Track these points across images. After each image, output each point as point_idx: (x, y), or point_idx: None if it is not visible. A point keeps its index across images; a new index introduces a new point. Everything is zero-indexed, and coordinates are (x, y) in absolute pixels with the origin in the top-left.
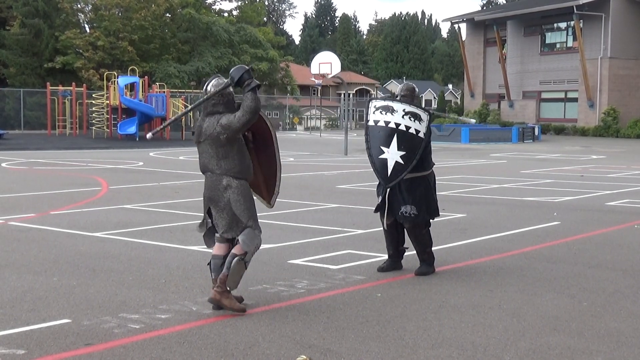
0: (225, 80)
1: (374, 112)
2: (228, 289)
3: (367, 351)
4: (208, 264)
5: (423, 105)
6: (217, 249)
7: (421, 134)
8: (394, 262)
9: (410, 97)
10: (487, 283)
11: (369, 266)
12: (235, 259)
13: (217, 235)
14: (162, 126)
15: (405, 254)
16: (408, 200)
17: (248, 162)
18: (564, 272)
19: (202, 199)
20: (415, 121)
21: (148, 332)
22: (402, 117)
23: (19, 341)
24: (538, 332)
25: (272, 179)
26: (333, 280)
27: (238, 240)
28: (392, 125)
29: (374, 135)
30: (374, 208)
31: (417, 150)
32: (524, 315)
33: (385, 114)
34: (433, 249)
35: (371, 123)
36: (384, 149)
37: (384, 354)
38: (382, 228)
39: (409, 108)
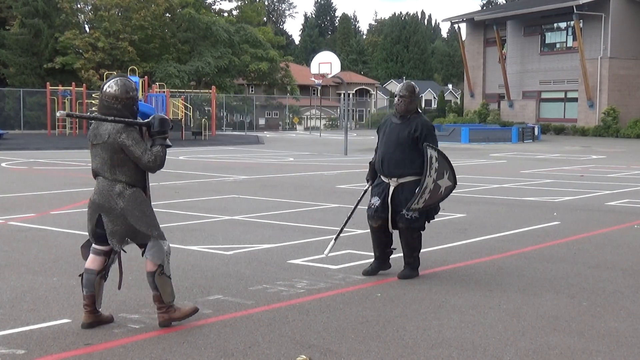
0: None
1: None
2: (167, 303)
3: (367, 351)
4: (79, 275)
5: (423, 106)
6: (91, 262)
7: (434, 157)
8: (380, 264)
9: (409, 97)
10: (487, 283)
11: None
12: (155, 275)
13: (93, 246)
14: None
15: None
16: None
17: (144, 171)
18: (564, 272)
19: (88, 206)
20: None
21: (148, 332)
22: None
23: (18, 341)
24: (538, 332)
25: None
26: (333, 280)
27: (147, 256)
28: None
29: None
30: (367, 207)
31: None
32: (523, 315)
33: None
34: (433, 249)
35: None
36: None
37: (383, 354)
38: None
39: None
